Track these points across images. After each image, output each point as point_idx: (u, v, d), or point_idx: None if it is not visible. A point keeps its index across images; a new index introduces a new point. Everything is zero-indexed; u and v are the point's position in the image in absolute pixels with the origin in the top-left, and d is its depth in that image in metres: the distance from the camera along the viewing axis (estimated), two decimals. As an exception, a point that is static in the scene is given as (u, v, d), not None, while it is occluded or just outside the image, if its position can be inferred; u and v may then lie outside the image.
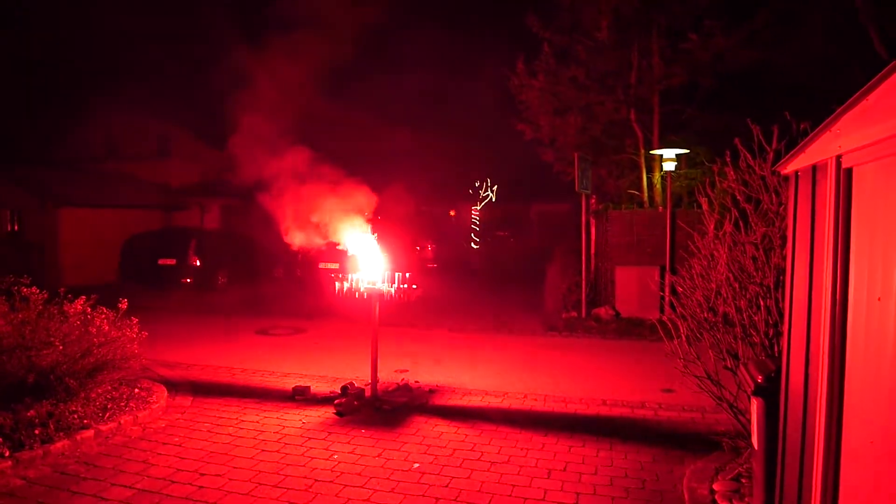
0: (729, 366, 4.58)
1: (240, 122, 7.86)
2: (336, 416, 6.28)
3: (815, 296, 2.64)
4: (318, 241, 7.51)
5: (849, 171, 2.37)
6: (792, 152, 2.89)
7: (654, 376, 7.74)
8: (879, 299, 2.11)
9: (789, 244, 3.00)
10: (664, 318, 5.18)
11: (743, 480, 4.52)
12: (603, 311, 12.27)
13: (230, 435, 5.71)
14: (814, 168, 2.69)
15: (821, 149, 2.55)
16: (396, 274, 7.02)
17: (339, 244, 7.43)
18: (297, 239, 7.44)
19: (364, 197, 7.32)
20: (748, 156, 4.62)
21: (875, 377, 2.14)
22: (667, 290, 8.49)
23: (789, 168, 3.01)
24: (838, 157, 2.40)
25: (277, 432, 5.79)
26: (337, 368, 8.25)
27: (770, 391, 3.44)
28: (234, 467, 4.96)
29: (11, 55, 25.50)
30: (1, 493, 4.44)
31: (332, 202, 7.16)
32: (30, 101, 25.20)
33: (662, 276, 11.73)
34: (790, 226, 2.99)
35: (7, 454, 4.82)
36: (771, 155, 4.51)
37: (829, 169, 2.47)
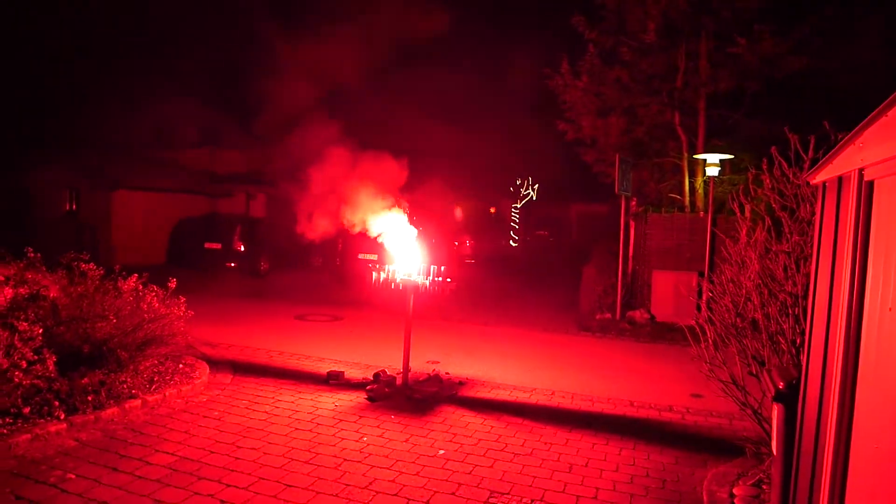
0: (754, 371, 4.61)
1: (269, 106, 8.10)
2: (367, 402, 6.50)
3: (835, 305, 2.70)
4: (354, 230, 7.69)
5: (870, 184, 2.43)
6: (819, 163, 2.95)
7: (684, 381, 7.75)
8: (890, 309, 2.18)
9: (814, 253, 3.06)
10: (693, 323, 5.23)
11: (764, 486, 4.55)
12: (638, 314, 12.23)
13: (266, 413, 5.99)
14: (840, 179, 2.75)
15: (846, 161, 2.61)
16: (432, 267, 7.20)
17: (377, 235, 7.61)
18: (321, 226, 7.56)
19: (395, 170, 7.39)
20: (784, 164, 4.63)
21: (883, 386, 2.21)
22: (705, 295, 8.46)
23: (818, 178, 3.07)
24: (860, 170, 2.47)
25: (311, 413, 6.04)
26: (370, 356, 8.48)
27: (791, 398, 3.48)
28: (269, 443, 5.22)
29: (70, 40, 26.60)
30: (57, 452, 4.79)
31: (366, 184, 7.28)
32: (87, 86, 26.25)
33: (702, 282, 11.64)
34: (815, 236, 3.04)
35: (63, 417, 5.19)
36: (807, 164, 4.52)
37: (851, 181, 2.54)
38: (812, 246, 4.22)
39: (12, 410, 5.07)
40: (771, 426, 4.00)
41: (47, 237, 18.55)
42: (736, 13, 11.99)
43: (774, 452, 3.80)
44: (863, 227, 2.43)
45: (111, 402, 5.65)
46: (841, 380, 2.50)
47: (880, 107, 2.18)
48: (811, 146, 4.51)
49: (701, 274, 11.72)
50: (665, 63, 12.82)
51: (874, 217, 2.39)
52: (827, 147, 4.31)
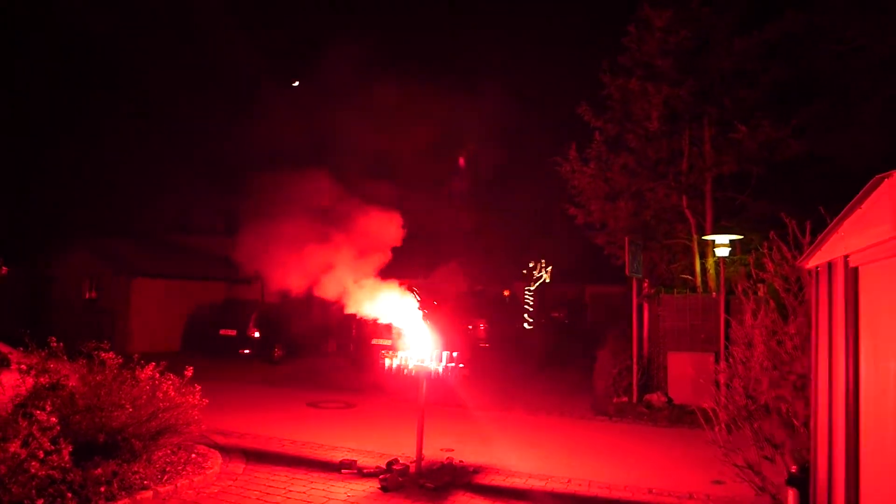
0: (768, 455, 4.55)
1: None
2: (380, 491, 6.41)
3: (835, 387, 2.75)
4: (370, 316, 7.79)
5: (855, 270, 2.55)
6: (810, 249, 3.08)
7: (704, 466, 7.52)
8: (884, 392, 2.24)
9: (812, 337, 3.13)
10: (705, 406, 5.21)
11: (788, 579, 4.39)
12: (655, 398, 12.03)
13: None
14: (829, 265, 2.87)
15: (832, 248, 2.74)
16: (444, 352, 7.25)
17: (391, 322, 7.72)
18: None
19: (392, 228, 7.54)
20: (784, 248, 4.75)
21: (883, 465, 2.24)
22: (722, 377, 8.38)
23: (811, 264, 3.19)
24: (846, 257, 2.59)
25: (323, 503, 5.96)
26: (384, 444, 8.39)
27: (804, 481, 3.45)
28: (280, 535, 5.15)
29: (97, 134, 27.95)
30: (67, 545, 4.75)
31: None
32: (108, 175, 27.36)
33: (717, 363, 11.50)
34: (813, 319, 3.13)
35: (75, 509, 5.17)
36: (805, 247, 4.63)
37: (839, 267, 2.65)
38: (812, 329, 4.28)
39: (25, 502, 5.07)
40: (789, 513, 3.92)
41: (68, 323, 18.81)
42: (736, 102, 12.49)
43: (793, 540, 3.71)
44: (852, 312, 2.53)
45: (123, 493, 5.62)
46: (845, 461, 2.53)
47: (855, 198, 2.33)
48: (808, 230, 4.64)
49: (717, 354, 11.59)
50: (670, 148, 13.23)
51: (861, 302, 2.49)
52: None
